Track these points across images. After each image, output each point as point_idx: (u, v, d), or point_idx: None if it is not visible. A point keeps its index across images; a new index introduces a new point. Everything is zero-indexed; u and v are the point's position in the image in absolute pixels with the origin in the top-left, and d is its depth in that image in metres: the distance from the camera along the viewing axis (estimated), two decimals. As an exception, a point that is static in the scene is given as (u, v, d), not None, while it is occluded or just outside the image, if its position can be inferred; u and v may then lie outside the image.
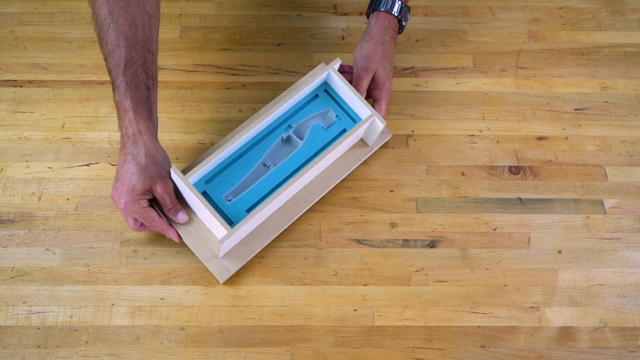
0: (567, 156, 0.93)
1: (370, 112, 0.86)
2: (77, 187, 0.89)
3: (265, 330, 0.80)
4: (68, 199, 0.88)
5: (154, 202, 0.80)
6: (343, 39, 1.03)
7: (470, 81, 0.99)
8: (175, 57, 1.00)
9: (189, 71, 0.99)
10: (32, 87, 0.97)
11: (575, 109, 0.97)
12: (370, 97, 0.93)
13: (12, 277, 0.82)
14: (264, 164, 0.86)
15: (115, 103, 0.77)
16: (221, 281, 0.82)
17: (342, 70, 0.94)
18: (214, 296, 0.82)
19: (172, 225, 0.82)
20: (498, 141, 0.94)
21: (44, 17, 1.04)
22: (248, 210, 0.83)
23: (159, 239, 0.85)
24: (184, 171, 0.84)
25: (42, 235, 0.85)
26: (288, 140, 0.88)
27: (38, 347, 0.78)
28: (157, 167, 0.77)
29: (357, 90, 0.88)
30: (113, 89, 0.77)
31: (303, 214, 0.87)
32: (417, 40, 1.03)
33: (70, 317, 0.80)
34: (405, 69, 1.00)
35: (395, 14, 0.91)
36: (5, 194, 0.88)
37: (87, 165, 0.91)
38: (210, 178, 0.84)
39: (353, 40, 1.03)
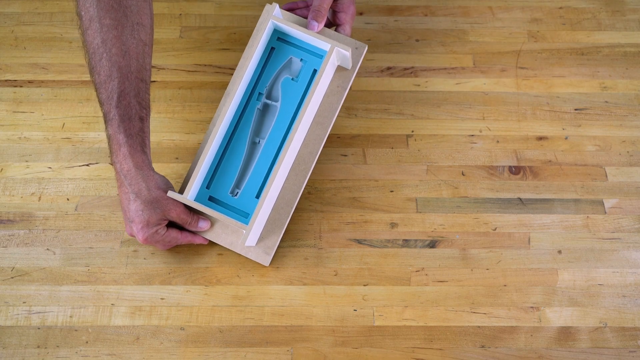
0: (567, 156, 0.93)
1: (330, 45, 0.81)
2: (77, 187, 0.89)
3: (265, 330, 0.80)
4: (68, 199, 0.88)
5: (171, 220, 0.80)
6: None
7: (470, 81, 0.99)
8: (175, 57, 1.00)
9: (189, 71, 0.99)
10: (32, 87, 0.97)
11: (575, 109, 0.97)
12: (335, 23, 0.87)
13: (12, 277, 0.82)
14: (253, 142, 0.84)
15: (107, 136, 0.77)
16: (266, 264, 0.82)
17: (296, 7, 0.88)
18: (214, 296, 0.82)
19: (196, 233, 0.82)
20: (498, 141, 0.94)
21: (44, 17, 1.04)
22: (258, 196, 0.82)
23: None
24: (186, 174, 0.84)
25: (42, 235, 0.85)
26: (265, 108, 0.85)
27: (38, 347, 0.78)
28: (162, 195, 0.77)
29: (319, 13, 0.82)
30: (105, 121, 0.76)
31: (303, 214, 0.87)
32: (417, 40, 1.03)
33: (70, 317, 0.80)
34: (405, 69, 1.00)
35: None
36: (5, 194, 0.88)
37: (87, 165, 0.91)
38: (209, 181, 0.83)
39: (353, 40, 1.03)
